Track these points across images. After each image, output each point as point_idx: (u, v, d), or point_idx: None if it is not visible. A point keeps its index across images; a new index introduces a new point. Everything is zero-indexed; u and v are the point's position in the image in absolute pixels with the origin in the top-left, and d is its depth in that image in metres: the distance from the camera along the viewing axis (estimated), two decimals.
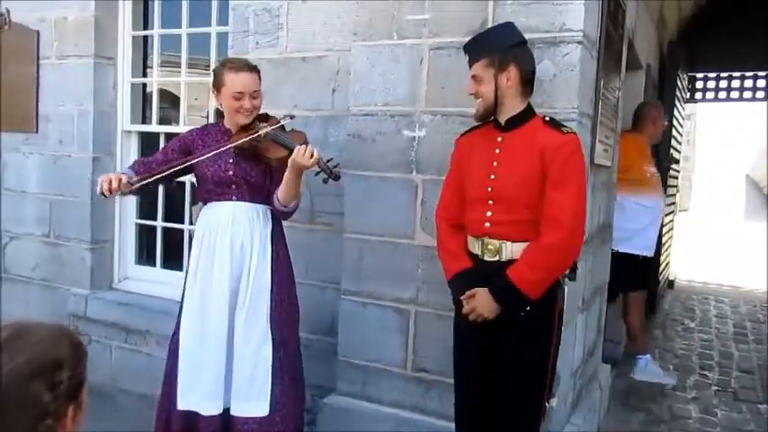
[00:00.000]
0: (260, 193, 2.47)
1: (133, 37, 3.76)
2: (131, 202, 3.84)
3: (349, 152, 2.81)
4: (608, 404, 3.64)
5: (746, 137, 23.79)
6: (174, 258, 3.79)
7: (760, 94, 7.63)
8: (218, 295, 2.43)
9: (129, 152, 3.79)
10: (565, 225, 1.99)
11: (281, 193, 2.37)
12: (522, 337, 2.08)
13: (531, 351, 2.10)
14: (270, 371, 2.44)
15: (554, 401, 2.27)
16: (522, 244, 2.06)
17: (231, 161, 2.46)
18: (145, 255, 3.93)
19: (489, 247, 2.11)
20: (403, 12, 2.64)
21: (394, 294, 2.73)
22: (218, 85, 2.44)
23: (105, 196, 2.31)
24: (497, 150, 2.12)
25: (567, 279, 2.17)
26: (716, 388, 4.15)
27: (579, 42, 2.36)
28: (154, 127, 3.76)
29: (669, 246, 6.42)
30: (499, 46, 2.07)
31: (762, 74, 7.44)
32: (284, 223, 2.98)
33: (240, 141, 2.39)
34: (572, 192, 2.01)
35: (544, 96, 2.35)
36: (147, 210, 3.84)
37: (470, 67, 2.12)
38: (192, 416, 2.44)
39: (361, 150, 2.76)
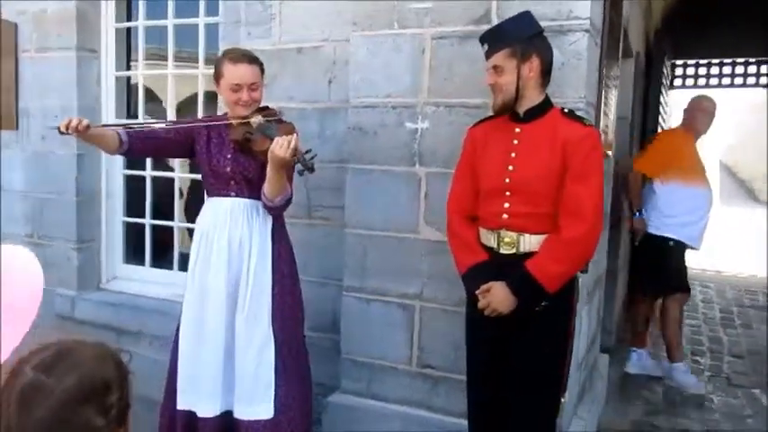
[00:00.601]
0: (258, 188, 2.38)
1: (117, 29, 3.63)
2: (118, 198, 3.73)
3: (349, 145, 2.74)
4: (606, 393, 3.64)
5: (719, 124, 24.14)
6: (163, 257, 3.69)
7: (738, 81, 7.75)
8: (215, 294, 2.38)
9: None
10: (588, 218, 1.97)
11: (265, 187, 2.31)
12: (539, 331, 2.04)
13: (548, 345, 2.07)
14: (273, 372, 2.38)
15: (567, 396, 2.24)
16: (540, 236, 2.02)
17: (229, 156, 2.41)
18: (133, 253, 3.82)
19: (506, 239, 2.06)
20: (404, 1, 2.57)
21: (398, 290, 2.68)
22: (217, 77, 2.39)
23: (61, 132, 2.21)
24: (515, 141, 2.08)
25: (580, 272, 2.14)
26: (709, 374, 4.19)
27: (586, 30, 2.32)
28: (140, 122, 3.64)
29: None
30: (521, 36, 2.02)
31: (740, 61, 7.54)
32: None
33: (234, 129, 2.36)
34: (594, 184, 1.98)
35: (553, 86, 2.29)
36: (135, 207, 3.72)
37: (488, 57, 2.07)
38: (193, 416, 2.40)
39: (363, 143, 2.69)
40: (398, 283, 2.68)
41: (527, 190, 2.03)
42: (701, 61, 7.71)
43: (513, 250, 2.06)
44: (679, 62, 7.56)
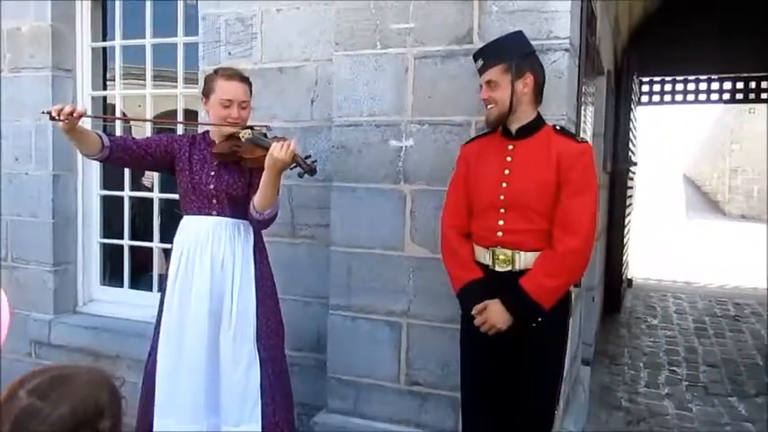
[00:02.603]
0: (241, 207, 2.38)
1: (92, 48, 3.60)
2: (95, 219, 3.67)
3: (333, 163, 2.75)
4: (588, 405, 3.68)
5: (681, 137, 24.78)
6: (142, 278, 3.63)
7: (702, 97, 7.98)
8: (196, 314, 2.35)
9: (90, 168, 3.62)
10: (582, 232, 2.00)
11: (256, 198, 2.28)
12: (536, 346, 2.06)
13: (546, 360, 2.09)
14: (259, 391, 2.37)
15: (560, 408, 2.27)
16: (535, 253, 2.04)
17: (213, 173, 2.39)
18: (110, 275, 3.75)
19: (501, 256, 2.08)
20: (386, 21, 2.60)
21: (385, 307, 2.68)
22: (207, 92, 2.39)
23: (52, 118, 2.13)
24: (509, 158, 2.10)
25: (573, 287, 2.17)
26: (686, 383, 4.26)
27: (566, 50, 2.38)
28: (130, 117, 3.61)
29: (627, 245, 6.59)
30: (516, 53, 2.07)
31: (703, 77, 7.78)
32: (265, 238, 2.89)
33: (222, 146, 2.35)
34: (589, 199, 2.02)
35: None
36: (112, 228, 3.67)
37: (482, 72, 2.10)
38: None
39: (347, 161, 2.70)
40: (385, 300, 2.68)
41: (522, 206, 2.05)
42: (666, 78, 7.94)
43: (509, 267, 2.07)
44: (645, 79, 7.76)
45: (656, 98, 8.17)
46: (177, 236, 2.46)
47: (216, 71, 2.44)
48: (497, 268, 2.09)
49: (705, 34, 6.14)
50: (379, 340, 2.71)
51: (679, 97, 8.12)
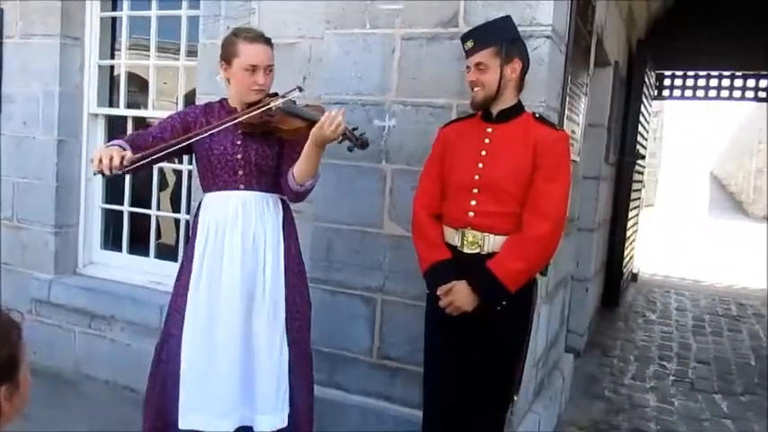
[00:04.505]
0: (269, 179, 2.25)
1: (101, 18, 3.69)
2: (97, 185, 3.78)
3: None
4: (569, 393, 3.72)
5: (711, 135, 24.32)
6: (140, 244, 3.75)
7: (724, 93, 7.82)
8: (228, 300, 2.17)
9: (95, 136, 3.72)
10: (552, 217, 2.03)
11: (297, 170, 2.12)
12: (497, 331, 2.09)
13: (504, 346, 2.12)
14: (288, 376, 2.24)
15: (519, 395, 2.31)
16: (504, 237, 2.07)
17: (239, 143, 2.20)
18: (111, 240, 3.88)
19: (470, 238, 2.10)
20: (376, 1, 2.64)
21: (362, 283, 2.75)
22: (228, 57, 2.17)
23: (104, 175, 1.98)
24: (487, 140, 2.13)
25: (539, 275, 2.21)
26: (673, 378, 4.28)
27: (548, 37, 2.40)
28: (122, 111, 3.70)
29: (633, 240, 6.56)
30: (506, 37, 2.09)
31: (726, 74, 7.63)
32: None
33: (250, 115, 2.14)
34: (561, 186, 2.06)
35: None
36: (113, 194, 3.78)
37: (471, 54, 2.10)
38: None
39: None
40: (362, 276, 2.75)
41: (496, 188, 2.08)
42: (689, 72, 7.80)
43: (477, 250, 2.10)
44: (667, 72, 7.64)
45: (677, 92, 8.04)
46: (202, 214, 2.26)
47: (236, 33, 2.21)
48: (466, 250, 2.12)
49: (728, 29, 6.02)
50: (356, 315, 2.78)
51: (701, 93, 7.98)
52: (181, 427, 2.17)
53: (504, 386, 2.19)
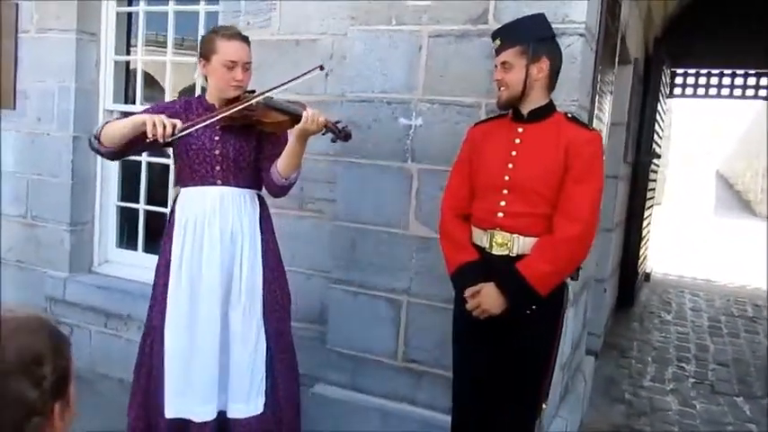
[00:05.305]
0: (247, 175, 2.31)
1: (117, 13, 3.64)
2: (113, 182, 3.74)
3: None
4: (590, 395, 3.67)
5: (718, 133, 24.23)
6: (156, 243, 3.69)
7: (737, 92, 7.76)
8: (208, 289, 2.25)
9: None
10: (583, 219, 1.98)
11: (281, 164, 2.19)
12: (526, 336, 2.05)
13: (534, 352, 2.08)
14: (265, 366, 2.32)
15: (548, 401, 2.26)
16: (533, 239, 2.02)
17: (217, 138, 2.26)
18: (126, 238, 3.84)
19: (499, 239, 2.06)
20: None
21: (386, 284, 2.70)
22: (207, 54, 2.23)
23: (156, 143, 2.05)
24: (517, 141, 2.08)
25: (570, 278, 2.16)
26: (693, 380, 4.23)
27: (581, 35, 2.34)
28: (137, 107, 3.64)
29: (648, 239, 6.50)
30: (534, 36, 2.04)
31: (740, 72, 7.56)
32: (272, 210, 2.91)
33: (232, 111, 2.17)
34: (593, 187, 2.01)
35: None
36: (128, 192, 3.74)
37: (498, 53, 2.07)
38: (184, 422, 2.27)
39: (356, 137, 2.66)
40: (386, 277, 2.70)
41: (526, 188, 2.03)
42: (701, 71, 7.73)
43: (506, 252, 2.05)
44: (679, 71, 7.57)
45: (689, 91, 7.97)
46: (178, 210, 2.32)
47: (215, 30, 2.29)
48: (494, 252, 2.08)
49: (746, 27, 5.96)
50: (379, 316, 2.73)
51: (713, 91, 7.91)
52: (167, 415, 2.25)
53: (532, 391, 2.14)
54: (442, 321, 2.56)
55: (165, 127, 2.04)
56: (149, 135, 2.05)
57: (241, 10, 3.11)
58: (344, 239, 2.77)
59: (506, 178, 2.07)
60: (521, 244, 2.05)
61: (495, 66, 2.12)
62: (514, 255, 2.05)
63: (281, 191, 2.30)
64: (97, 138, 2.24)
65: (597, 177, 2.05)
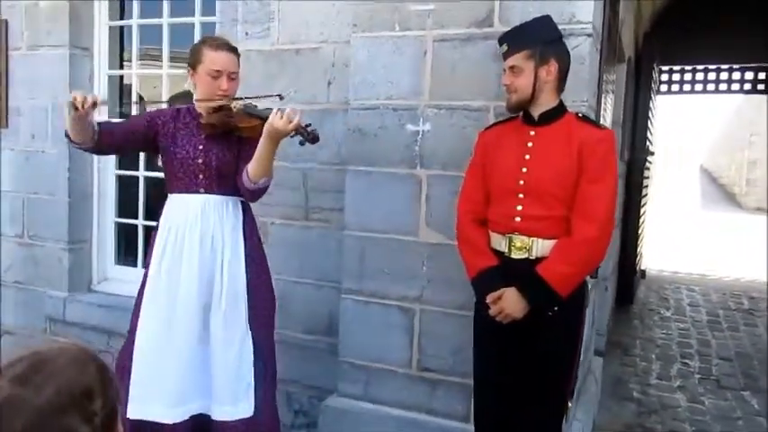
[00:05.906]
0: (230, 182, 2.31)
1: (110, 27, 3.59)
2: (110, 199, 3.68)
3: (349, 147, 2.73)
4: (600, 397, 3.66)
5: (699, 128, 24.51)
6: None
7: (723, 87, 7.83)
8: (185, 295, 2.27)
9: None
10: (600, 219, 1.98)
11: (251, 167, 2.20)
12: (549, 338, 2.03)
13: (559, 351, 2.06)
14: (252, 370, 2.32)
15: (572, 402, 2.25)
16: (552, 241, 2.01)
17: (201, 147, 2.30)
18: (125, 255, 3.77)
19: (517, 243, 2.05)
20: (406, 2, 2.56)
21: (398, 293, 2.67)
22: (194, 63, 2.27)
23: (77, 109, 2.03)
24: (530, 144, 2.07)
25: (590, 277, 2.14)
26: (699, 376, 4.23)
27: (588, 35, 2.34)
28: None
29: (643, 237, 6.53)
30: (542, 39, 2.03)
31: (724, 67, 7.63)
32: (278, 220, 2.88)
33: (211, 117, 2.25)
34: (608, 187, 1.99)
35: None
36: (127, 208, 3.68)
37: (506, 57, 2.06)
38: (145, 425, 2.25)
39: (363, 145, 2.68)
40: (398, 285, 2.67)
41: (541, 192, 2.02)
42: (687, 67, 7.79)
43: (525, 255, 2.04)
44: (665, 67, 7.63)
45: (675, 87, 8.02)
46: (163, 217, 2.37)
47: (203, 41, 2.34)
48: (513, 255, 2.07)
49: (727, 23, 6.01)
50: (392, 325, 2.70)
51: (699, 87, 7.97)
52: (129, 416, 2.24)
53: (557, 392, 2.12)
54: (456, 328, 2.54)
55: (85, 98, 2.04)
56: (77, 105, 2.03)
57: (238, 19, 3.08)
58: (354, 248, 2.73)
59: (521, 183, 2.06)
60: (540, 247, 2.04)
61: (504, 70, 2.11)
62: (534, 258, 2.04)
63: (251, 195, 2.30)
64: (66, 135, 2.23)
65: (612, 175, 2.04)
